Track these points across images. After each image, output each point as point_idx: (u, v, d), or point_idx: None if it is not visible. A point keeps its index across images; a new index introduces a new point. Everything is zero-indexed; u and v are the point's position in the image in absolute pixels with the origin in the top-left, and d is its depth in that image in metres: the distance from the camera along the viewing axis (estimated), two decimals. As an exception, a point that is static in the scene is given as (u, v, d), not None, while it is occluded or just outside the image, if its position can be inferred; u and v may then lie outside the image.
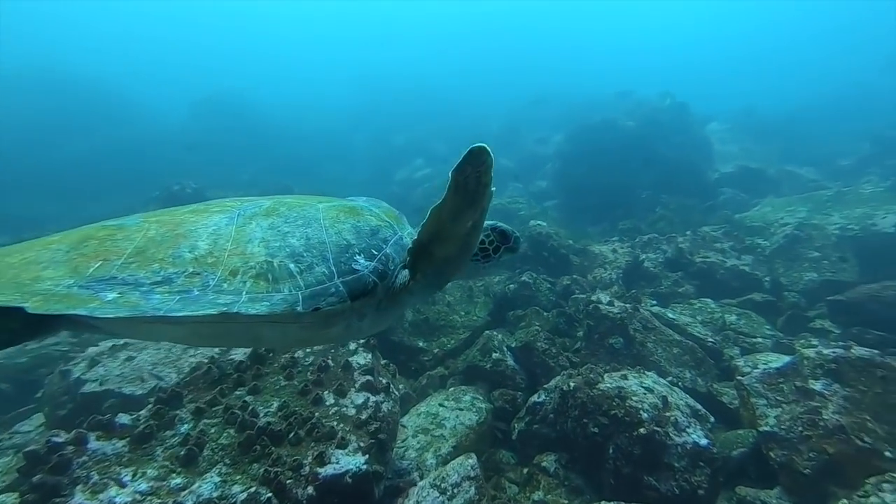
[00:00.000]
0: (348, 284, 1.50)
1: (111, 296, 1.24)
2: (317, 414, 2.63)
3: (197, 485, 2.10)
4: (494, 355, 4.40)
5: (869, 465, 2.82)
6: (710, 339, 4.41)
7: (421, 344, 4.86)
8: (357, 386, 2.88)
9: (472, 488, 2.66)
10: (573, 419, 3.31)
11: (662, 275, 5.78)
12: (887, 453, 2.83)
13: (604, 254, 6.03)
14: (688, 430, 3.10)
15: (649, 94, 18.71)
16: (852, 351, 3.24)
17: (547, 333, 4.49)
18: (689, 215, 9.40)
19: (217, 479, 2.15)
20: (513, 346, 4.56)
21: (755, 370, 3.79)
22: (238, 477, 2.19)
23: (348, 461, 2.39)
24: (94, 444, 2.25)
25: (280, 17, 60.25)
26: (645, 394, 3.22)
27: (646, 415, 3.09)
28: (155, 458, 2.22)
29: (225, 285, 1.35)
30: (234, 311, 1.29)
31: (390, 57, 42.27)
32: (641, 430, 3.04)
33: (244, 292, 1.35)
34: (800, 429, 3.08)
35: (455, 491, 2.65)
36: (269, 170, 19.40)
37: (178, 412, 2.52)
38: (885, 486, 2.57)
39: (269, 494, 2.11)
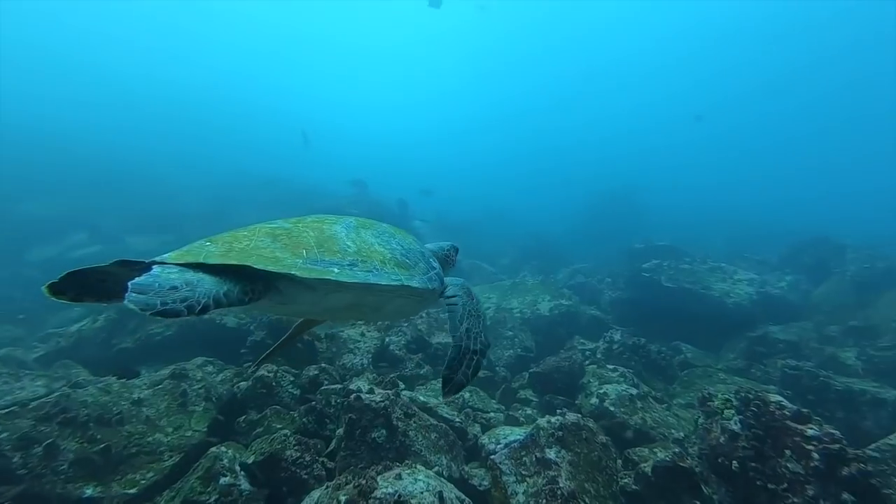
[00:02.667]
0: (438, 275, 2.31)
1: (336, 270, 1.78)
2: None
3: None
4: (223, 480, 3.26)
5: (592, 524, 3.26)
6: (457, 420, 4.56)
7: (90, 492, 3.15)
8: None
9: None
10: (344, 549, 2.61)
11: (406, 357, 5.87)
12: (599, 507, 3.34)
13: (353, 338, 5.69)
14: (464, 527, 2.90)
15: (373, 186, 20.99)
16: (567, 417, 3.86)
17: (297, 437, 3.66)
18: (413, 300, 10.34)
19: None
20: (250, 462, 3.49)
21: (499, 445, 4.06)
22: None
23: None
24: None
25: None
26: (422, 493, 2.88)
27: (426, 520, 2.73)
28: None
29: (386, 269, 1.97)
30: (406, 283, 1.99)
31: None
32: (423, 541, 2.64)
33: (399, 274, 2.01)
34: (544, 501, 3.33)
35: None
36: None
37: None
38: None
39: None
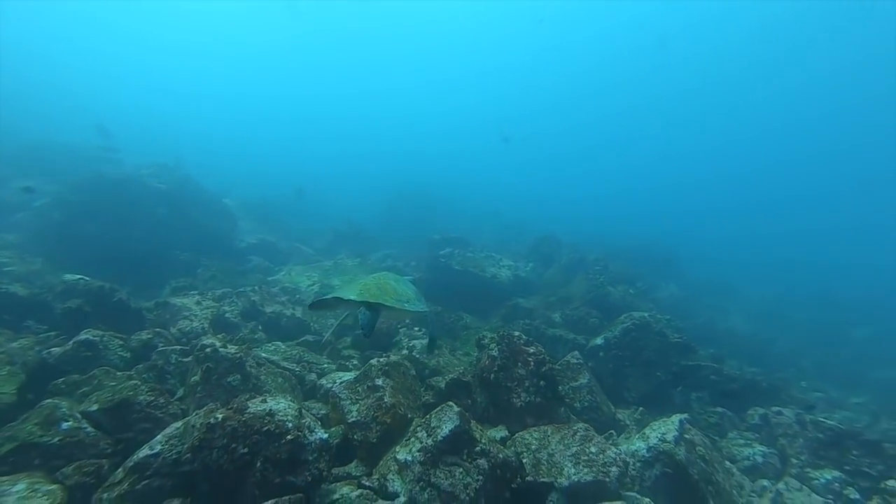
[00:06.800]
0: (426, 304, 4.42)
1: (407, 304, 3.98)
2: None
3: None
4: (65, 425, 3.25)
5: (405, 424, 4.45)
6: (297, 369, 5.19)
7: None
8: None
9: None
10: (220, 448, 3.11)
11: (242, 324, 6.06)
12: (410, 414, 4.57)
13: (187, 306, 5.59)
14: (315, 430, 3.69)
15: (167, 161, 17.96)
16: (391, 357, 4.98)
17: (150, 384, 3.78)
18: (230, 277, 9.96)
19: None
20: (93, 409, 3.49)
21: (335, 384, 4.89)
22: None
23: None
24: None
25: None
26: (286, 409, 3.55)
27: (290, 423, 3.42)
28: None
29: (414, 301, 4.15)
30: (424, 311, 4.36)
31: None
32: (289, 436, 3.35)
33: (420, 305, 4.26)
34: (372, 413, 4.34)
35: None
36: None
37: None
38: (418, 431, 4.16)
39: None
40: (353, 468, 4.02)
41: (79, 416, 3.38)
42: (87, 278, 5.20)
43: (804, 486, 4.65)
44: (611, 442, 4.11)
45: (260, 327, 6.30)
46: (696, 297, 15.53)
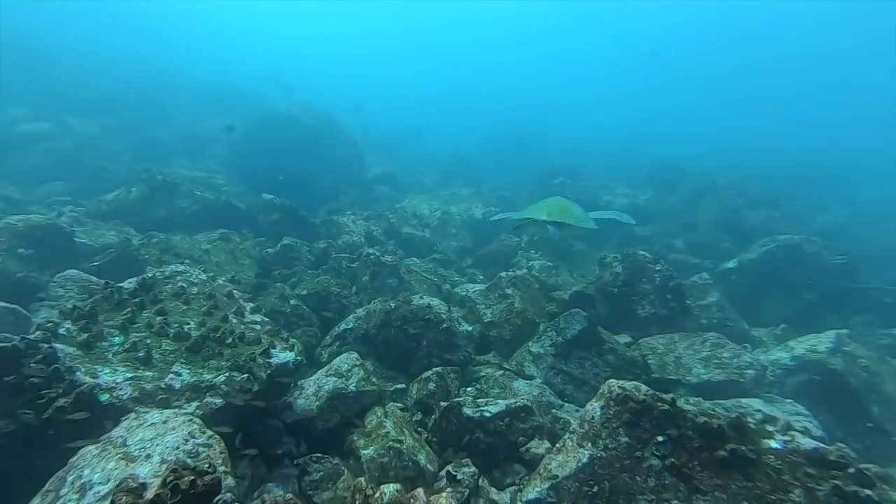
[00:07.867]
0: (594, 221, 4.66)
1: (585, 222, 4.46)
2: (232, 328, 2.97)
3: (172, 375, 2.55)
4: (292, 302, 4.36)
5: (533, 327, 4.97)
6: (434, 279, 5.96)
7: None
8: (249, 309, 3.18)
9: (362, 371, 3.15)
10: (396, 328, 3.99)
11: (386, 241, 7.01)
12: (536, 319, 5.07)
13: (346, 224, 6.69)
14: (462, 323, 4.41)
15: (320, 98, 19.72)
16: (517, 272, 5.45)
17: (337, 280, 4.78)
18: (364, 203, 11.17)
19: (186, 370, 2.63)
20: (304, 293, 4.61)
21: (469, 292, 5.56)
22: (201, 370, 2.69)
23: (285, 355, 3.00)
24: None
25: None
26: (439, 304, 4.27)
27: (444, 315, 4.15)
28: (109, 361, 2.54)
29: (586, 220, 4.48)
30: (595, 228, 4.57)
31: None
32: (444, 325, 4.08)
33: (591, 223, 4.51)
34: (505, 315, 4.93)
35: (350, 374, 3.22)
36: None
37: (100, 328, 2.72)
38: (548, 331, 4.64)
39: (245, 376, 2.72)
40: (491, 357, 4.70)
41: (297, 297, 4.50)
42: (275, 197, 6.49)
43: None
44: (746, 352, 4.15)
45: (398, 245, 7.21)
46: (873, 220, 13.07)
